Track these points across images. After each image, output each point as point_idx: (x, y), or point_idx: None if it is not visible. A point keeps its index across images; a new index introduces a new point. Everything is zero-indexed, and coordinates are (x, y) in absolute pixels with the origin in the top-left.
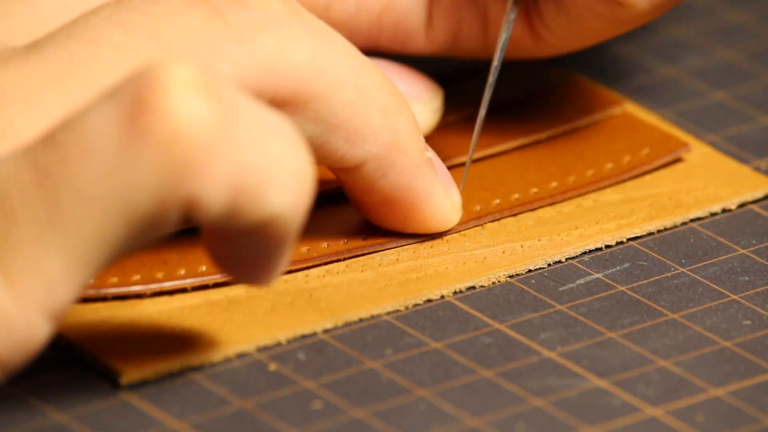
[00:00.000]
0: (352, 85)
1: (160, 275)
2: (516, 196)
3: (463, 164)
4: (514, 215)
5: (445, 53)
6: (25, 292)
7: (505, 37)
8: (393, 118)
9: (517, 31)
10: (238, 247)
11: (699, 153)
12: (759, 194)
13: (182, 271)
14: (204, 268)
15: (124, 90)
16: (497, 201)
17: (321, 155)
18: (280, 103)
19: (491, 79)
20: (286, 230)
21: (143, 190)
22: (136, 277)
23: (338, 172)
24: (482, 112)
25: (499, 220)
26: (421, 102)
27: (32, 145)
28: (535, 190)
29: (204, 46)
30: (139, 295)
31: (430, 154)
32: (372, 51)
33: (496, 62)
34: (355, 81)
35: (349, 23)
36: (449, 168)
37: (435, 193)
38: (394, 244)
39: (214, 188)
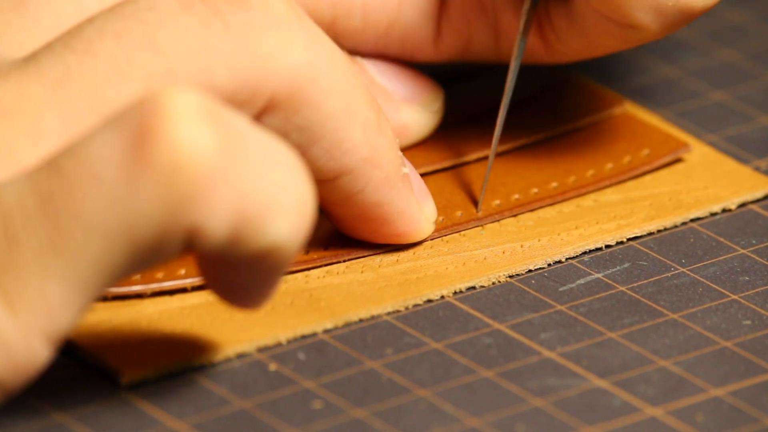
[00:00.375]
0: (342, 95)
1: (160, 275)
2: (516, 196)
3: (464, 164)
4: (515, 216)
5: (457, 60)
6: (26, 318)
7: (516, 64)
8: (373, 133)
9: (530, 40)
10: (234, 274)
11: (699, 153)
12: (759, 194)
13: (182, 271)
14: None
15: (128, 117)
16: (497, 202)
17: None
18: (276, 105)
19: (505, 100)
20: (284, 259)
21: (146, 219)
22: (136, 276)
23: (316, 184)
24: (497, 132)
25: (499, 220)
26: (421, 103)
27: (35, 169)
28: (535, 190)
29: (200, 50)
30: (139, 295)
31: (407, 169)
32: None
33: (508, 86)
34: (345, 92)
35: (355, 37)
36: (452, 168)
37: (409, 208)
38: (394, 246)
39: (217, 217)
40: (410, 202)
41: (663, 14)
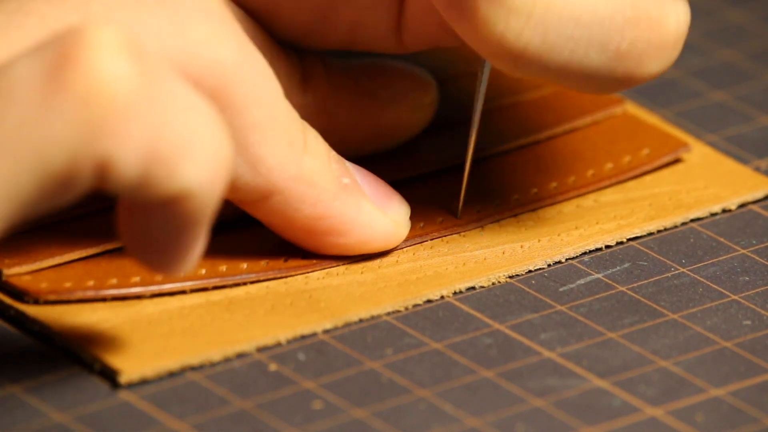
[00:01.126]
0: (266, 107)
1: (159, 277)
2: (516, 196)
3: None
4: (515, 216)
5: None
6: None
7: (482, 89)
8: (298, 153)
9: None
10: (149, 226)
11: (699, 153)
12: (759, 194)
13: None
14: (204, 271)
15: (51, 45)
16: (497, 202)
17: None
18: None
19: (474, 128)
20: (198, 209)
21: (57, 145)
22: (136, 278)
23: (251, 209)
24: (470, 151)
25: (499, 221)
26: (410, 99)
27: None
28: (535, 190)
29: (131, 22)
30: (138, 296)
31: (348, 180)
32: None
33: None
34: (270, 105)
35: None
36: (449, 169)
37: (362, 215)
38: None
39: (129, 151)
40: (362, 209)
41: (603, 89)
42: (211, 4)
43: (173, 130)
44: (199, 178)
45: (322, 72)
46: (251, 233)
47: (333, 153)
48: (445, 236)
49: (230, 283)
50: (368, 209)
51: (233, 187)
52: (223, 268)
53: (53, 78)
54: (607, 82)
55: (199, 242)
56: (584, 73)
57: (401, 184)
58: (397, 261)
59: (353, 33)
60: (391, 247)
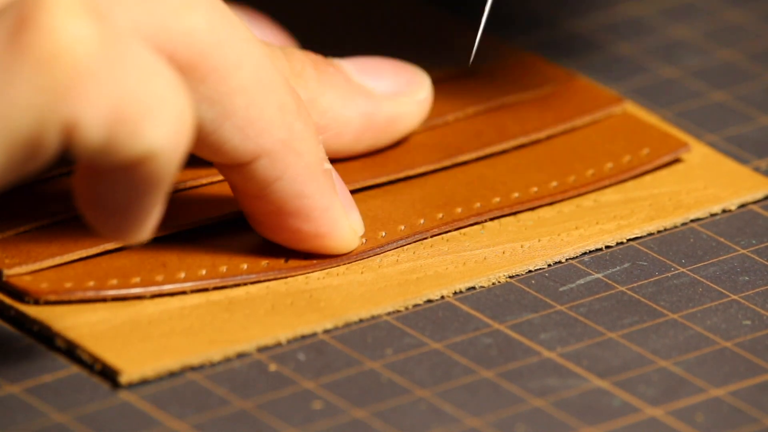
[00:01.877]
0: (250, 70)
1: (159, 278)
2: (516, 195)
3: (462, 164)
4: (514, 214)
5: None
6: None
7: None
8: (290, 116)
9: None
10: (109, 191)
11: (699, 153)
12: (759, 195)
13: (182, 275)
14: (204, 271)
15: (10, 10)
16: (497, 199)
17: (213, 144)
18: (180, 70)
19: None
20: (160, 172)
21: (22, 109)
22: (136, 279)
23: (230, 172)
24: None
25: (499, 219)
26: (404, 95)
27: None
28: (535, 189)
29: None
30: (138, 297)
31: (329, 167)
32: None
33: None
34: (254, 67)
35: None
36: (451, 167)
37: (333, 208)
38: (393, 246)
39: (93, 112)
40: (334, 202)
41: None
42: None
43: (136, 91)
44: (162, 140)
45: (312, 69)
46: (251, 234)
47: (320, 137)
48: (445, 233)
49: (230, 283)
50: (337, 205)
51: (219, 150)
52: (224, 268)
53: (14, 42)
54: None
55: (157, 207)
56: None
57: (402, 181)
58: (397, 260)
59: None
60: (340, 252)
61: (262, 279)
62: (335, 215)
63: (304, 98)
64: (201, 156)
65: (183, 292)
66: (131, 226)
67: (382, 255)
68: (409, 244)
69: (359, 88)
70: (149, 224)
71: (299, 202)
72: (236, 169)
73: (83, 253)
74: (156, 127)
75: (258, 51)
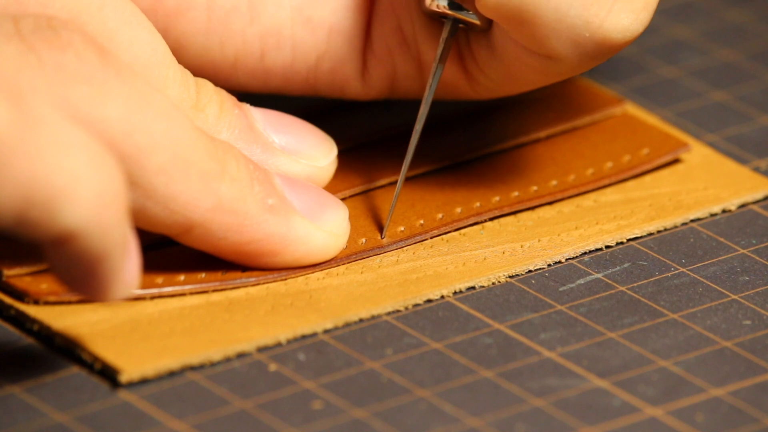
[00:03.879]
0: (168, 149)
1: (159, 280)
2: (516, 194)
3: (462, 163)
4: (514, 214)
5: (385, 97)
6: None
7: (431, 90)
8: (214, 183)
9: (452, 74)
10: (59, 261)
11: (699, 154)
12: (759, 196)
13: (182, 278)
14: (203, 275)
15: None
16: (497, 198)
17: (144, 221)
18: None
19: (418, 126)
20: (93, 247)
21: None
22: None
23: (176, 239)
24: (407, 159)
25: (499, 219)
26: (305, 157)
27: None
28: (535, 188)
29: (18, 79)
30: (137, 298)
31: (274, 200)
32: (311, 96)
33: (421, 112)
34: (172, 145)
35: (285, 71)
36: (449, 167)
37: (293, 232)
38: (394, 247)
39: (2, 195)
40: (292, 227)
41: (580, 45)
42: (90, 58)
43: (50, 174)
44: (82, 219)
45: (216, 107)
46: None
47: (258, 173)
48: (445, 233)
49: (230, 287)
50: (299, 225)
51: (151, 223)
52: (222, 271)
53: None
54: (581, 35)
55: (119, 272)
56: (556, 12)
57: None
58: (397, 260)
59: (317, 74)
60: (330, 257)
61: (262, 281)
62: (301, 235)
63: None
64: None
65: (183, 294)
66: (98, 291)
67: (381, 255)
68: (409, 245)
69: (258, 136)
70: (121, 286)
71: (256, 246)
72: (179, 237)
73: None
74: (73, 208)
75: (177, 127)
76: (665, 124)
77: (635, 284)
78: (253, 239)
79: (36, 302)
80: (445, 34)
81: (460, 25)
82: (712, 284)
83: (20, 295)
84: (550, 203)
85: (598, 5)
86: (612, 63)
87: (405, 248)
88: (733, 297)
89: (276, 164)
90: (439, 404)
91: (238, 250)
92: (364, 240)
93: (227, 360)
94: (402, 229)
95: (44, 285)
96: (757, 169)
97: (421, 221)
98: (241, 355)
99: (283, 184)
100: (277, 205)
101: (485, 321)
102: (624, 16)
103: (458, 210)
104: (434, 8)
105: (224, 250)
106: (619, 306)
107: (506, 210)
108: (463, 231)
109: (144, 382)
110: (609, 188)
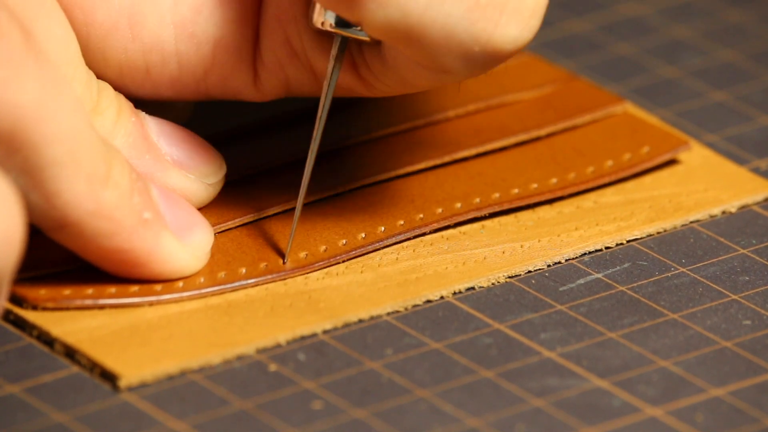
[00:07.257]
0: (65, 144)
1: (158, 287)
2: (516, 191)
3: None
4: (514, 212)
5: (282, 97)
6: None
7: (325, 109)
8: (98, 187)
9: (347, 80)
10: None
11: (699, 155)
12: (759, 197)
13: (180, 284)
14: (202, 279)
15: None
16: (497, 195)
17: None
18: None
19: (316, 134)
20: None
21: None
22: (134, 288)
23: (47, 233)
24: (310, 162)
25: (498, 219)
26: (195, 173)
27: None
28: (534, 185)
29: None
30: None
31: (150, 214)
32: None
33: (316, 133)
34: (72, 140)
35: (173, 83)
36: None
37: (160, 249)
38: (393, 241)
39: None
40: (160, 243)
41: (470, 59)
42: (13, 43)
43: None
44: None
45: (113, 112)
46: (248, 237)
47: (139, 184)
48: (444, 228)
49: (229, 291)
50: (166, 243)
51: (27, 213)
52: (222, 274)
53: None
54: (471, 49)
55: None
56: (443, 30)
57: (401, 177)
58: (396, 259)
59: (207, 85)
60: (187, 276)
61: (261, 283)
62: (166, 253)
63: None
64: None
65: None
66: None
67: (381, 253)
68: (409, 239)
69: (151, 146)
70: None
71: (121, 255)
72: (50, 232)
73: (83, 260)
74: None
75: (80, 124)
76: (665, 124)
77: (635, 284)
78: (120, 248)
79: (34, 308)
80: (334, 51)
81: (351, 40)
82: (712, 284)
83: (19, 301)
84: (551, 202)
85: (485, 20)
86: (612, 63)
87: (405, 246)
88: (733, 297)
89: (164, 176)
90: (439, 404)
91: (103, 255)
92: (363, 235)
93: (227, 361)
94: (401, 222)
95: (43, 291)
96: (757, 170)
97: (421, 215)
98: (240, 357)
99: (159, 197)
100: (151, 220)
101: (485, 321)
102: (512, 27)
103: (458, 205)
104: (320, 27)
105: (89, 253)
106: (619, 306)
107: (506, 206)
108: (463, 230)
109: (143, 385)
110: (609, 189)
